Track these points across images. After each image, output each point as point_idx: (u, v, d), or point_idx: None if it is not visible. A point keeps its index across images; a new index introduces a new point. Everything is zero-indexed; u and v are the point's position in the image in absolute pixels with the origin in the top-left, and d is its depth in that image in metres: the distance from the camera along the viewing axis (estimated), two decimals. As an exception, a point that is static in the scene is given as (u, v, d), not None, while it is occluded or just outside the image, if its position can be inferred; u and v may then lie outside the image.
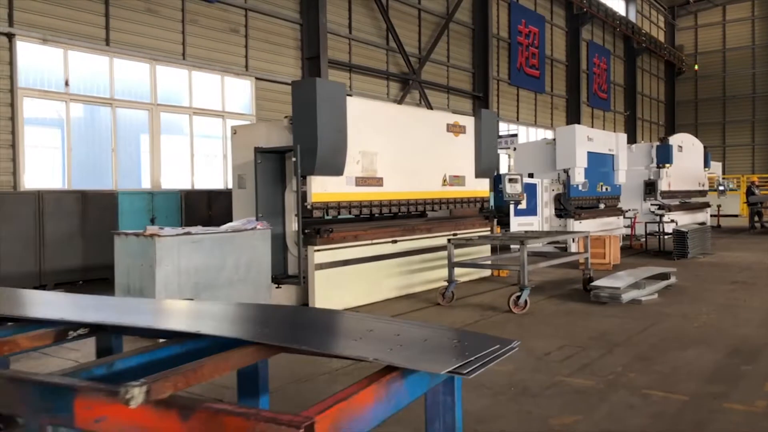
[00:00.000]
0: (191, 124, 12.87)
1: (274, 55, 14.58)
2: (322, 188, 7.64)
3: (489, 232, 10.61)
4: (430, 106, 18.72)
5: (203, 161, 13.19)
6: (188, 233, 6.51)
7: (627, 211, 15.82)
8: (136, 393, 1.65)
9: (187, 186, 12.71)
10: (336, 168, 7.66)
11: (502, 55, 23.19)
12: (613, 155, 15.12)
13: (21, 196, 9.70)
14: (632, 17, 34.63)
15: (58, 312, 2.77)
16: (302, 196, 7.53)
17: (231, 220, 11.96)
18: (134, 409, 1.69)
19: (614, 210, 15.41)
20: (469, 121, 10.19)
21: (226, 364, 1.97)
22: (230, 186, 13.41)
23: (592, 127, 29.53)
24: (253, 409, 1.61)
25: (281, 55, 14.77)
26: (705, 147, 20.56)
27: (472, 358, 1.92)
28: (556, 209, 13.60)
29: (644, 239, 15.53)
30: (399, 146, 8.78)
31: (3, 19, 10.03)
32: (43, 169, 10.60)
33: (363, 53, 17.07)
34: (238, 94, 13.87)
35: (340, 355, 2.09)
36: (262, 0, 14.24)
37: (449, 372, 1.82)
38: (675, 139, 18.07)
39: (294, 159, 7.25)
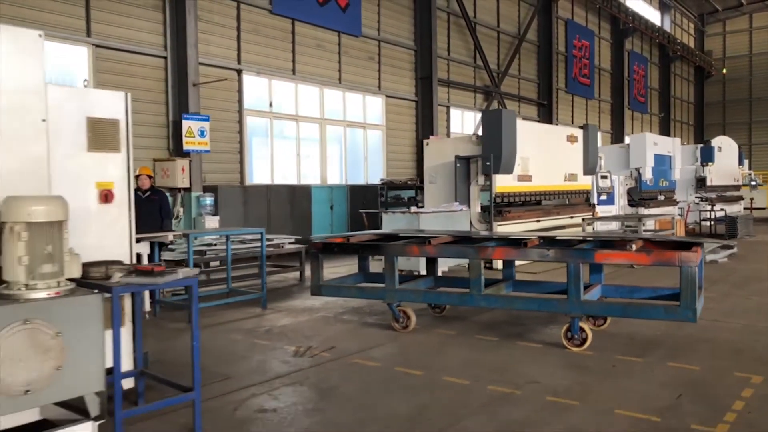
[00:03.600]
0: (345, 134, 16.45)
1: (397, 76, 18.11)
2: (501, 183, 11.17)
3: (591, 216, 14.07)
4: (507, 114, 22.14)
5: (351, 162, 16.76)
6: (434, 211, 10.07)
7: (678, 202, 19.20)
8: (634, 247, 5.19)
9: (338, 181, 16.26)
10: (509, 169, 11.18)
11: (560, 66, 26.57)
12: (670, 156, 18.50)
13: (256, 188, 13.36)
14: (667, 27, 37.80)
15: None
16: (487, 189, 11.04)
17: (376, 207, 15.47)
18: (628, 253, 5.23)
19: (670, 201, 18.79)
20: (579, 133, 13.67)
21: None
22: (371, 182, 17.05)
23: (632, 128, 32.94)
24: (673, 247, 5.14)
25: (401, 76, 18.30)
26: (739, 147, 23.79)
27: (725, 244, 5.41)
28: (629, 200, 17.02)
29: (697, 224, 18.92)
30: (540, 152, 12.29)
31: (234, 59, 13.65)
32: (257, 168, 14.22)
33: (457, 71, 20.56)
34: (373, 108, 17.43)
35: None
36: (389, 32, 17.77)
37: (727, 247, 5.31)
38: (715, 141, 21.36)
39: (488, 163, 10.78)
